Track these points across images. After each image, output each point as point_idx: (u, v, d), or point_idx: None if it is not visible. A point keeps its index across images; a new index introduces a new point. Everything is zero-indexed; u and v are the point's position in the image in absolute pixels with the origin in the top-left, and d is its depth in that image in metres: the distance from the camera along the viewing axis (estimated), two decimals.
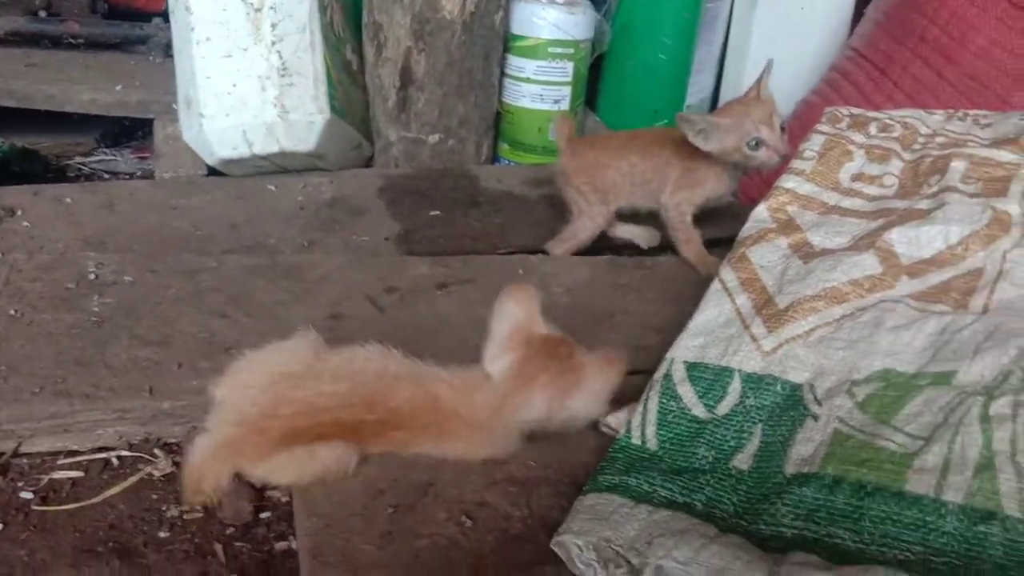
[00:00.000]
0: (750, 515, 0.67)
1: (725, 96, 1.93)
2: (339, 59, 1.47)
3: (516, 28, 1.63)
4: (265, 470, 0.79)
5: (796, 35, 1.77)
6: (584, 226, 1.31)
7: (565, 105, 1.69)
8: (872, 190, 0.94)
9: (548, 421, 0.81)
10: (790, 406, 0.74)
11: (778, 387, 0.75)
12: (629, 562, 0.65)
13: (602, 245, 1.38)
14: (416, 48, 1.50)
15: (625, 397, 0.89)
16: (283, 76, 1.34)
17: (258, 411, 0.78)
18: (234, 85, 1.34)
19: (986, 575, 0.57)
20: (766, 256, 0.89)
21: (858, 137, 1.01)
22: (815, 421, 0.70)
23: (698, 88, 1.85)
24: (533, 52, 1.64)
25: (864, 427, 0.68)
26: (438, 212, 1.42)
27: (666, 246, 1.37)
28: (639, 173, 1.27)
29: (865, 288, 0.81)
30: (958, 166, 0.90)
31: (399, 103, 1.55)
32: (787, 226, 0.92)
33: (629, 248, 1.41)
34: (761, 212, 0.96)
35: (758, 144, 1.13)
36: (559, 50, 1.64)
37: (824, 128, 1.04)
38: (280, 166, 1.45)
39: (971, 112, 1.03)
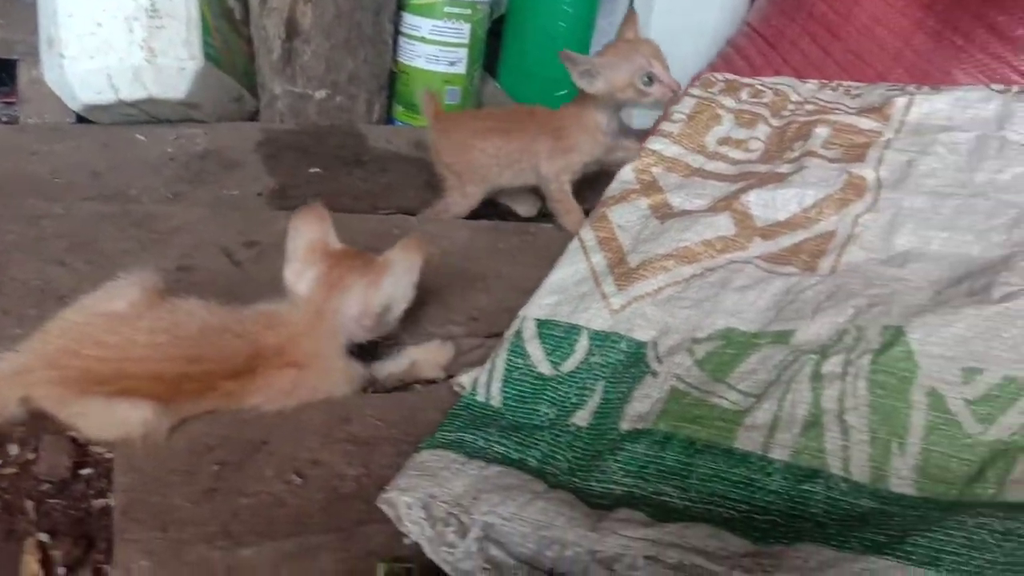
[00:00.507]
0: (583, 471, 0.65)
1: None
2: (218, 5, 1.39)
3: None
4: (66, 415, 0.73)
5: (696, 8, 1.75)
6: (456, 202, 1.27)
7: (461, 68, 1.64)
8: (737, 154, 0.92)
9: (368, 317, 0.81)
10: (632, 363, 0.72)
11: (623, 345, 0.73)
12: (459, 519, 0.62)
13: (490, 211, 1.35)
14: None
15: (484, 360, 0.87)
16: (152, 17, 1.26)
17: (57, 346, 0.72)
18: (99, 25, 1.26)
19: (806, 533, 0.55)
20: (625, 216, 0.86)
21: (729, 101, 0.99)
22: (654, 378, 0.68)
23: None
24: (429, 10, 1.59)
25: (700, 384, 0.66)
26: (319, 169, 1.37)
27: (546, 214, 1.35)
28: (505, 155, 1.23)
29: (717, 249, 0.79)
30: (821, 132, 0.89)
31: (284, 55, 1.48)
32: (650, 187, 0.90)
33: (516, 215, 1.38)
34: (626, 173, 0.94)
35: (651, 79, 1.08)
36: (456, 10, 1.59)
37: (696, 92, 1.03)
38: (151, 115, 1.37)
39: (844, 83, 1.02)
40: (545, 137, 1.21)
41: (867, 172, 0.84)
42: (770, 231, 0.81)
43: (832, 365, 0.61)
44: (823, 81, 1.03)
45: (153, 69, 1.28)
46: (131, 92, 1.29)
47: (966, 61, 1.17)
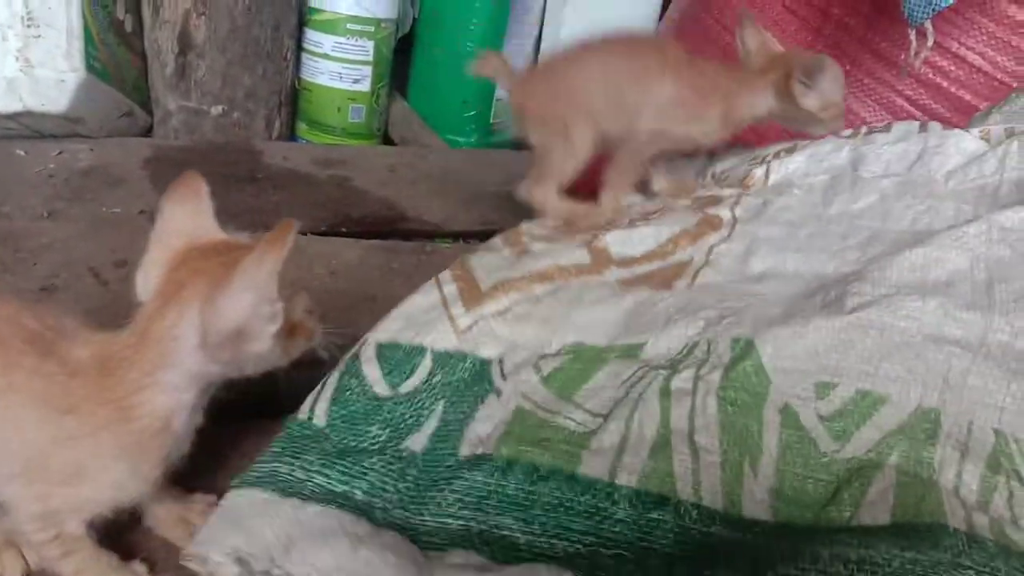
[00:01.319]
0: (416, 504, 0.59)
1: None
2: (105, 16, 1.34)
3: (314, 1, 1.54)
4: None
5: (606, 29, 1.74)
6: (564, 156, 0.96)
7: (366, 86, 1.61)
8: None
9: (213, 347, 0.56)
10: (476, 382, 0.67)
11: (468, 363, 0.69)
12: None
13: (392, 228, 1.32)
14: (196, 11, 1.39)
15: None
16: (29, 27, 1.20)
17: None
18: None
19: (653, 571, 0.51)
20: (485, 260, 0.83)
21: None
22: (498, 397, 0.64)
23: None
24: (331, 27, 1.55)
25: (546, 403, 0.62)
26: (209, 187, 1.31)
27: (458, 233, 1.32)
28: (613, 83, 0.94)
29: (572, 273, 0.77)
30: (685, 201, 0.89)
31: (178, 70, 1.43)
32: (516, 243, 0.87)
33: (419, 234, 1.34)
34: (496, 240, 0.92)
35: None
36: (358, 27, 1.56)
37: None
38: (32, 129, 1.30)
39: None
40: (674, 81, 0.93)
41: (723, 212, 0.83)
42: (626, 262, 0.79)
43: (682, 380, 0.59)
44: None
45: (29, 81, 1.21)
46: (6, 105, 1.23)
47: (853, 85, 1.18)
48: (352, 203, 1.36)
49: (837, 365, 0.57)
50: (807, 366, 0.57)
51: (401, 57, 1.79)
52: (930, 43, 1.07)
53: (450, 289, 0.77)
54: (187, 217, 0.61)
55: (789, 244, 0.76)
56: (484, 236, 1.34)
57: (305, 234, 1.24)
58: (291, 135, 1.64)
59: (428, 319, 0.73)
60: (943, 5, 1.01)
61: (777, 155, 0.97)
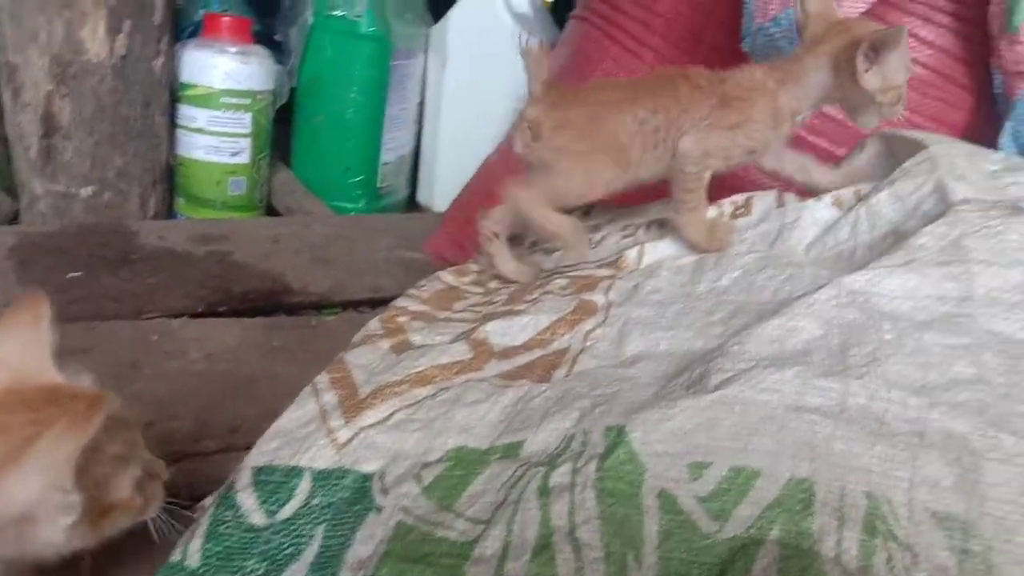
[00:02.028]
0: None
1: (426, 155, 1.88)
2: None
3: (186, 76, 1.50)
4: None
5: (485, 94, 1.76)
6: (576, 188, 0.88)
7: (245, 158, 1.57)
8: (483, 309, 0.89)
9: None
10: (356, 500, 0.63)
11: (348, 480, 0.64)
12: None
13: (277, 303, 1.27)
14: (58, 93, 1.33)
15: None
16: None
17: None
18: None
19: None
20: (364, 357, 0.79)
21: (479, 289, 0.97)
22: (378, 515, 0.60)
23: (394, 145, 1.80)
24: (205, 101, 1.51)
25: (428, 515, 0.59)
26: (80, 273, 1.24)
27: (346, 302, 1.29)
28: (650, 131, 0.85)
29: (453, 372, 0.75)
30: (559, 281, 0.88)
31: (43, 153, 1.36)
32: (395, 332, 0.85)
33: (305, 306, 1.30)
34: (372, 324, 0.88)
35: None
36: (233, 100, 1.52)
37: (447, 278, 1.00)
38: None
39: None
40: (708, 95, 0.86)
41: (597, 297, 0.83)
42: (506, 353, 0.77)
43: (560, 476, 0.57)
44: None
45: None
46: None
47: None
48: (233, 279, 1.31)
49: (708, 444, 0.56)
50: (678, 448, 0.56)
51: (283, 125, 1.75)
52: None
53: (328, 399, 0.73)
54: (17, 348, 0.52)
55: (660, 323, 0.76)
56: (373, 304, 1.31)
57: (179, 317, 1.18)
58: (169, 213, 1.58)
59: (306, 434, 0.69)
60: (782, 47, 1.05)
61: (648, 227, 0.97)
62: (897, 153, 0.90)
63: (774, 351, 0.62)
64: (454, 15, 1.77)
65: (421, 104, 1.87)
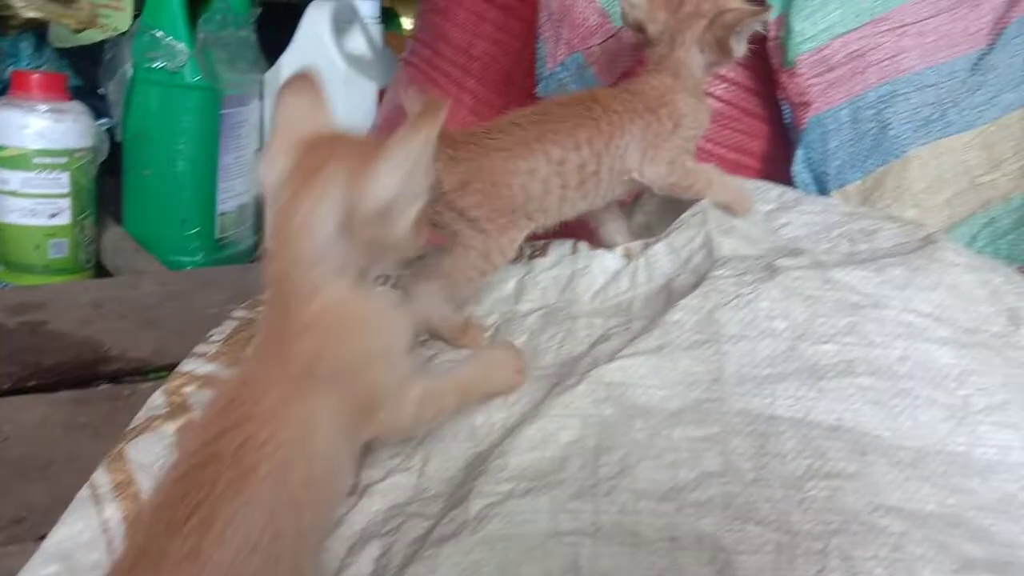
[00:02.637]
0: None
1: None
2: None
3: None
4: None
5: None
6: (474, 267, 0.78)
7: (65, 219, 1.49)
8: None
9: (359, 218, 0.52)
10: None
11: None
12: None
13: (94, 372, 1.20)
14: None
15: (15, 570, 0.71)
16: None
17: None
18: None
19: None
20: (147, 450, 0.74)
21: None
22: None
23: (232, 195, 1.74)
24: (17, 163, 1.43)
25: None
26: None
27: (172, 365, 1.22)
28: (572, 169, 0.78)
29: None
30: None
31: None
32: (179, 409, 0.79)
33: (126, 373, 1.23)
34: (156, 397, 0.83)
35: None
36: (49, 160, 1.44)
37: (240, 313, 0.96)
38: None
39: None
40: (633, 118, 0.81)
41: None
42: None
43: None
44: None
45: None
46: None
47: None
48: (46, 351, 1.23)
49: None
50: None
51: (113, 180, 1.68)
52: None
53: (111, 513, 0.67)
54: (305, 108, 0.58)
55: None
56: None
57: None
58: None
59: (91, 564, 0.63)
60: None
61: None
62: (682, 203, 0.91)
63: (533, 461, 0.62)
64: (286, 60, 1.74)
65: (262, 149, 1.82)
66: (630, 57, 1.00)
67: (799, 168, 1.09)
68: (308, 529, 0.52)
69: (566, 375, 0.71)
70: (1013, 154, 1.02)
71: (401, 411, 0.60)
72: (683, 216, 0.84)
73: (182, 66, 1.57)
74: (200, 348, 0.93)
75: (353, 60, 1.76)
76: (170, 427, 0.78)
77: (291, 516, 0.50)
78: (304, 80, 0.60)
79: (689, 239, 0.80)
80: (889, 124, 1.05)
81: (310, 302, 0.54)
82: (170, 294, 1.46)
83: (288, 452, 0.51)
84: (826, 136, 1.08)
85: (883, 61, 1.06)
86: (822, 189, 1.09)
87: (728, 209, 0.85)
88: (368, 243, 0.55)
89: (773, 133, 1.14)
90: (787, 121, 1.10)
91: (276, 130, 0.58)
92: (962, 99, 1.04)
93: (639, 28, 0.87)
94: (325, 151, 0.54)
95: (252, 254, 1.85)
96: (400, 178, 0.52)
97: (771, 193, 0.91)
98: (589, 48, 1.02)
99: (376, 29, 1.95)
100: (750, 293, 0.69)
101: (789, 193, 0.92)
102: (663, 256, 0.81)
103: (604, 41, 1.01)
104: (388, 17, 2.75)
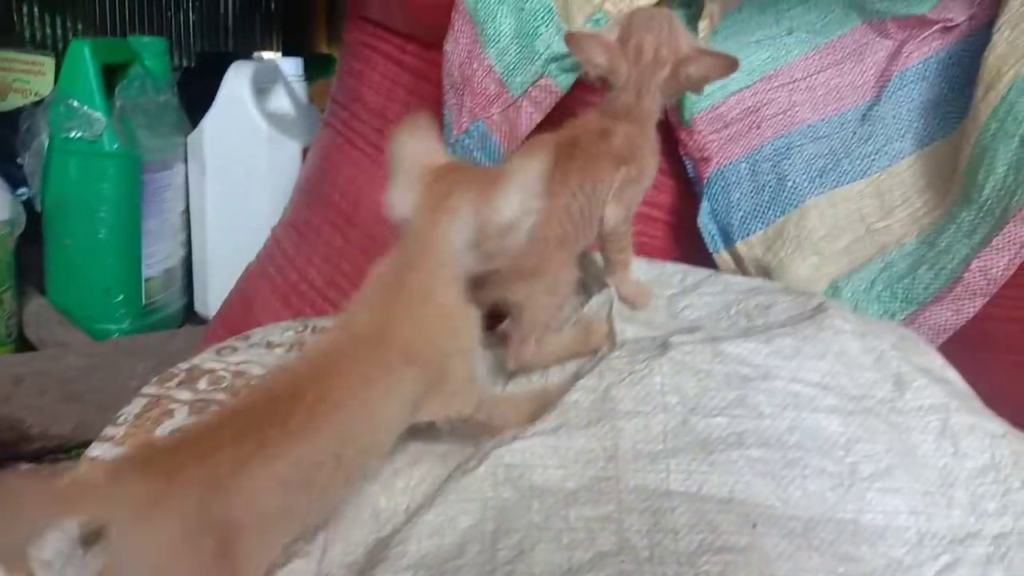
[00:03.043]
0: None
1: (198, 263, 1.80)
2: None
3: None
4: None
5: (248, 198, 1.71)
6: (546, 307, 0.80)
7: None
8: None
9: (486, 232, 0.63)
10: None
11: None
12: None
13: (13, 452, 1.16)
14: None
15: None
16: None
17: None
18: None
19: None
20: (49, 547, 0.72)
21: (184, 394, 0.91)
22: None
23: (158, 259, 1.72)
24: None
25: None
26: None
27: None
28: (576, 207, 0.80)
29: None
30: None
31: None
32: None
33: (50, 452, 1.20)
34: None
35: None
36: None
37: (150, 390, 0.94)
38: None
39: (316, 325, 1.00)
40: (610, 169, 0.82)
41: None
42: None
43: None
44: (297, 340, 0.99)
45: None
46: None
47: None
48: None
49: None
50: None
51: (35, 250, 1.64)
52: None
53: None
54: (421, 144, 0.67)
55: None
56: None
57: None
58: None
59: None
60: None
61: None
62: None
63: (432, 548, 0.61)
64: (208, 123, 1.72)
65: (186, 212, 1.80)
66: (532, 123, 1.01)
67: (705, 220, 1.11)
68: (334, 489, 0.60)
69: (470, 455, 0.71)
70: (903, 201, 1.05)
71: (462, 404, 0.67)
72: (590, 302, 0.85)
73: (100, 135, 1.55)
74: (109, 431, 0.91)
75: (275, 119, 1.75)
76: (74, 527, 0.76)
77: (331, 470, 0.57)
78: (417, 121, 0.69)
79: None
80: (786, 175, 1.08)
81: (427, 299, 0.63)
82: (93, 366, 1.42)
83: (357, 415, 0.59)
84: (728, 189, 1.10)
85: (777, 115, 1.09)
86: (727, 240, 1.11)
87: (627, 301, 0.86)
88: (487, 255, 0.65)
89: (679, 187, 1.16)
90: (690, 175, 1.12)
91: (398, 166, 0.67)
92: (853, 149, 1.08)
93: (603, 83, 0.87)
94: (451, 180, 0.65)
95: (181, 318, 1.82)
96: (521, 200, 0.63)
97: (674, 278, 0.92)
98: (490, 117, 1.03)
99: (300, 86, 1.95)
100: (644, 369, 0.69)
101: (691, 275, 0.93)
102: None
103: (504, 110, 1.01)
104: (327, 63, 2.77)
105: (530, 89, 1.00)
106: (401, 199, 0.66)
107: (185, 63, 3.16)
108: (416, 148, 0.68)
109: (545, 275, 0.79)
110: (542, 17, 0.98)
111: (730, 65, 0.81)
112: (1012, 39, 0.94)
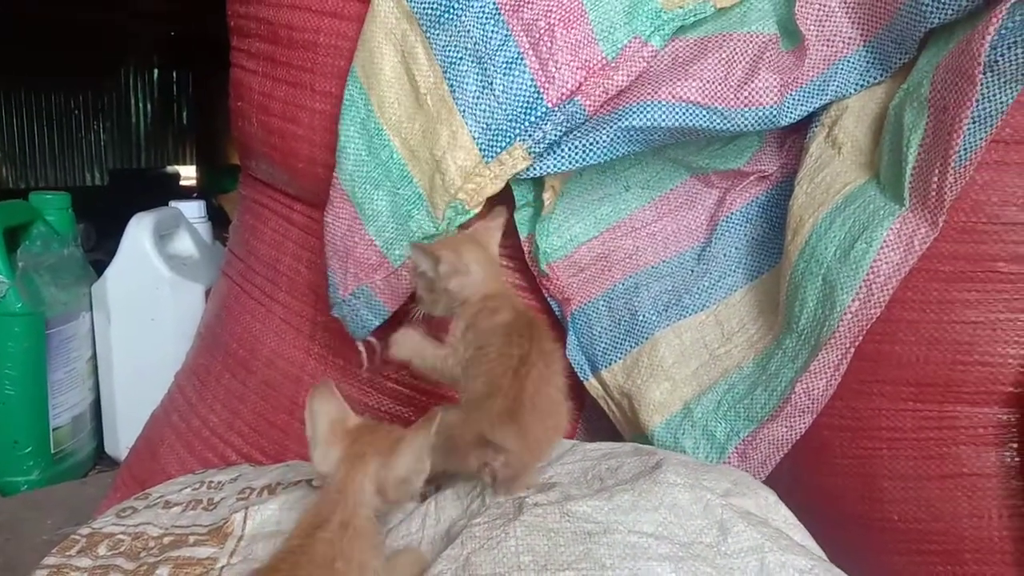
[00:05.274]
0: None
1: (107, 407, 1.77)
2: None
3: None
4: None
5: (153, 343, 1.70)
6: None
7: None
8: None
9: (386, 492, 0.77)
10: None
11: None
12: None
13: None
14: None
15: None
16: None
17: None
18: None
19: None
20: None
21: (84, 561, 0.90)
22: None
23: (65, 407, 1.69)
24: None
25: None
26: None
27: None
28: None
29: None
30: (162, 572, 0.84)
31: None
32: None
33: None
34: None
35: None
36: None
37: (50, 560, 0.92)
38: None
39: (211, 480, 1.00)
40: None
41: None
42: None
43: None
44: (191, 498, 0.99)
45: None
46: None
47: (350, 375, 1.24)
48: None
49: None
50: None
51: None
52: (379, 353, 1.16)
53: None
54: (333, 410, 0.80)
55: None
56: None
57: None
58: None
59: None
60: (375, 325, 1.11)
61: (260, 496, 0.96)
62: None
63: None
64: (111, 272, 1.72)
65: (93, 359, 1.77)
66: (412, 286, 1.06)
67: (572, 351, 1.17)
68: None
69: None
70: (740, 328, 1.14)
71: None
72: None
73: (3, 296, 1.53)
74: None
75: (178, 263, 1.76)
76: None
77: None
78: (324, 388, 0.81)
79: (472, 485, 0.84)
80: (637, 311, 1.15)
81: (344, 531, 0.73)
82: (3, 523, 1.38)
83: None
84: (590, 324, 1.17)
85: (624, 259, 1.17)
86: (593, 368, 1.17)
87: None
88: (392, 496, 0.77)
89: (551, 322, 1.22)
90: (557, 314, 1.18)
91: (317, 429, 0.79)
92: (693, 285, 1.16)
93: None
94: (364, 442, 0.78)
95: (92, 461, 1.77)
96: (412, 463, 0.76)
97: (564, 443, 0.95)
98: (373, 283, 1.07)
99: (204, 227, 1.97)
100: (500, 534, 0.73)
101: (556, 447, 0.97)
102: (450, 501, 0.84)
103: (386, 277, 1.07)
104: (238, 174, 2.77)
105: (408, 261, 1.05)
106: (323, 457, 0.78)
107: (98, 181, 3.12)
108: (330, 412, 0.80)
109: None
110: (414, 202, 1.05)
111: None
112: (810, 191, 1.05)
